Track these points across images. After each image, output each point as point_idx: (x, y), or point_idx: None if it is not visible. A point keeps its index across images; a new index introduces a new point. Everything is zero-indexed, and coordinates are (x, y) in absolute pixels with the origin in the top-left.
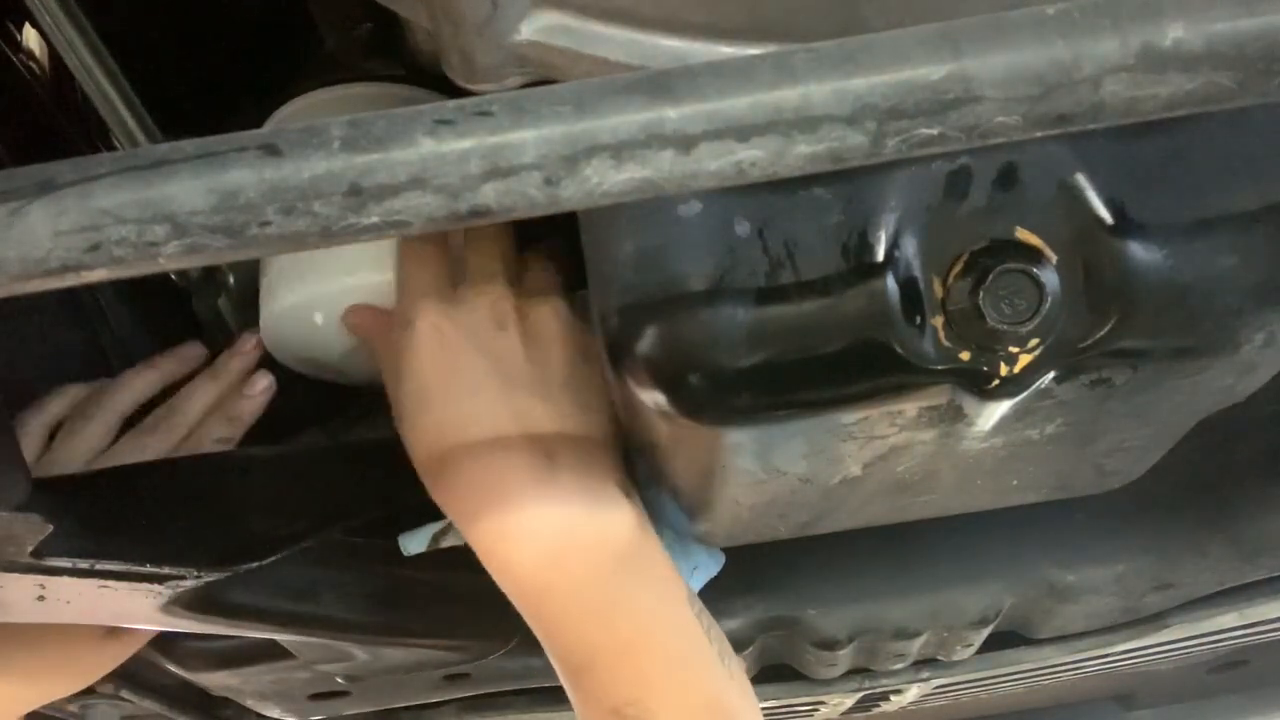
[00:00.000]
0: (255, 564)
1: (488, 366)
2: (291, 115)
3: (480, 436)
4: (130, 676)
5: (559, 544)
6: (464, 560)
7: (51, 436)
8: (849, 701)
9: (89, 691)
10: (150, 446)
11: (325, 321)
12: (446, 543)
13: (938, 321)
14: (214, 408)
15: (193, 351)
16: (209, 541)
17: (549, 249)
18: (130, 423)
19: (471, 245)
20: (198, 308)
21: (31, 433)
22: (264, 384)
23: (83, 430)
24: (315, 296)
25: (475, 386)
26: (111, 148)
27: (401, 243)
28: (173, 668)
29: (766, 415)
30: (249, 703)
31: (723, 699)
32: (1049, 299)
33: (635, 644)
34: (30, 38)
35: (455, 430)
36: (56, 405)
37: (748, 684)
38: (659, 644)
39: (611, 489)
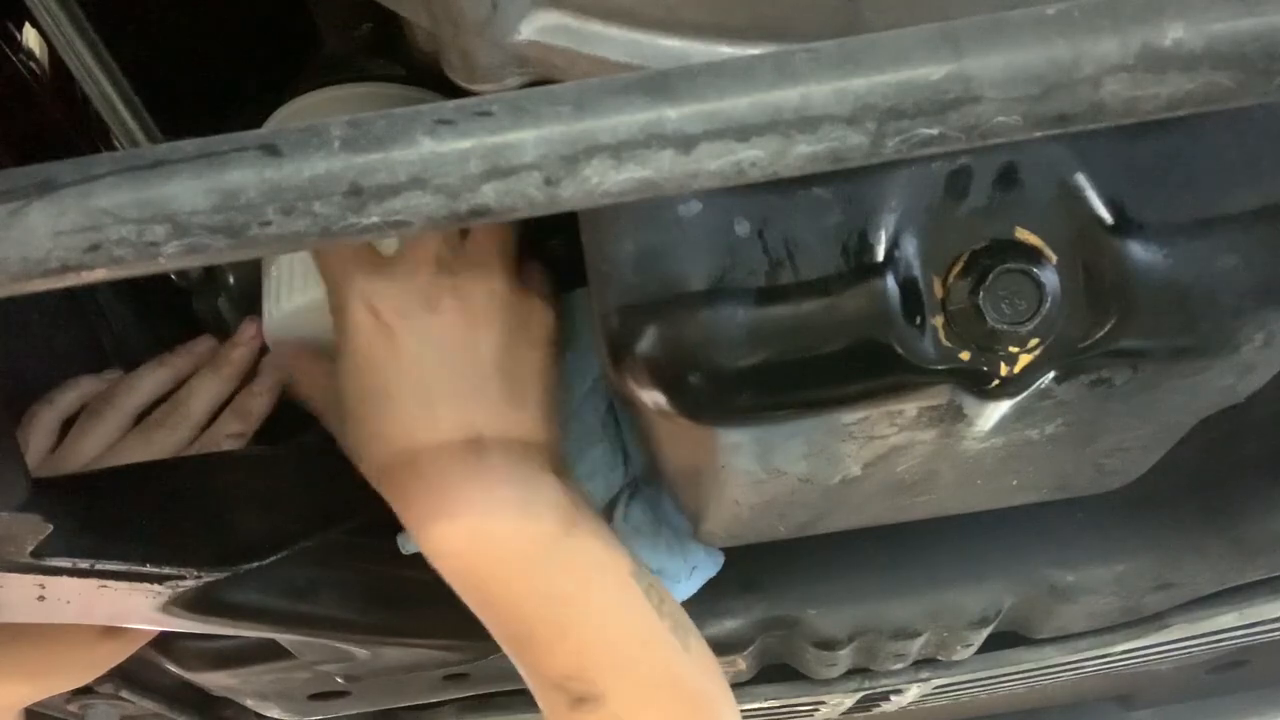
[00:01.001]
0: (255, 564)
1: (417, 353)
2: (291, 115)
3: (412, 428)
4: (130, 676)
5: (484, 531)
6: None
7: (63, 429)
8: (849, 701)
9: (88, 691)
10: (157, 441)
11: (326, 321)
12: None
13: (938, 321)
14: (220, 400)
15: (203, 347)
16: (209, 541)
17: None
18: (139, 417)
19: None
20: (198, 308)
21: (43, 426)
22: (272, 379)
23: (94, 429)
24: (317, 297)
25: (403, 377)
26: (111, 148)
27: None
28: (172, 668)
29: (766, 415)
30: (249, 703)
31: (677, 673)
32: (1049, 299)
33: (569, 620)
34: (30, 38)
35: (387, 427)
36: (68, 398)
37: (711, 661)
38: (596, 620)
39: (539, 474)
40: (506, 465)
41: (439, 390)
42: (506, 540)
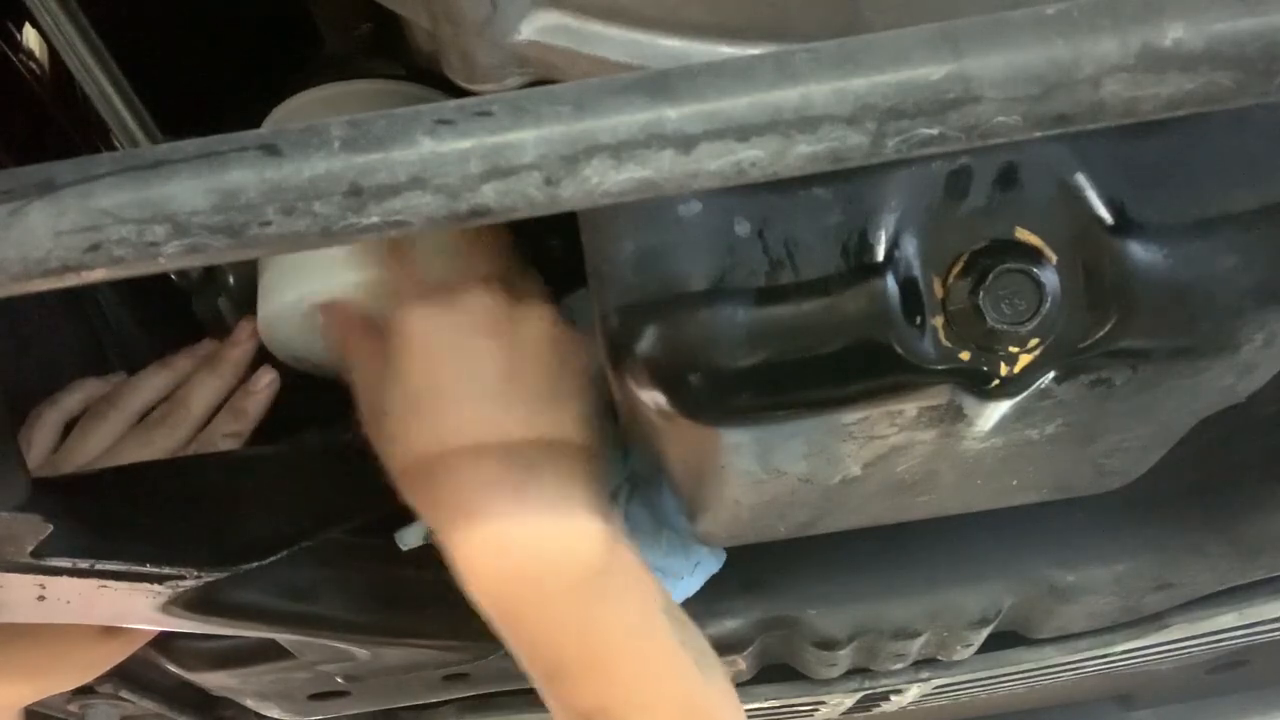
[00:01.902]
0: (255, 564)
1: (474, 376)
2: (288, 114)
3: (460, 448)
4: (130, 676)
5: (528, 559)
6: None
7: (65, 430)
8: (849, 701)
9: (89, 691)
10: (156, 441)
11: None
12: None
13: (938, 321)
14: (218, 400)
15: (205, 349)
16: (209, 541)
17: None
18: (141, 419)
19: (466, 243)
20: (198, 308)
21: (46, 426)
22: (268, 379)
23: (96, 430)
24: (314, 294)
25: (459, 396)
26: (111, 148)
27: (387, 240)
28: (172, 668)
29: (766, 415)
30: (249, 703)
31: (699, 706)
32: (1049, 299)
33: (602, 656)
34: (30, 38)
35: (436, 440)
36: (72, 400)
37: (729, 690)
38: (627, 655)
39: (585, 505)
40: (553, 492)
41: (488, 414)
42: (549, 570)
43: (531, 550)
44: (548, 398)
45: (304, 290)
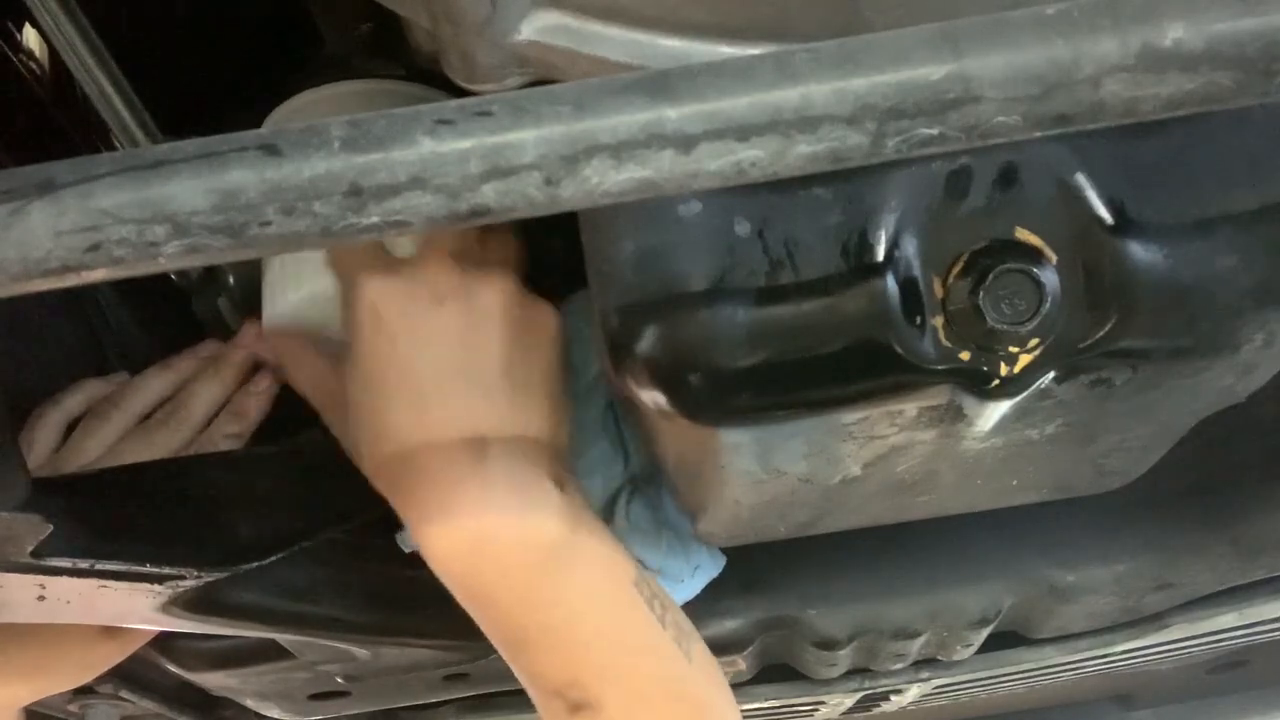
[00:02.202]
0: (255, 564)
1: (421, 351)
2: (288, 114)
3: (414, 426)
4: (130, 676)
5: (484, 536)
6: None
7: (67, 431)
8: (849, 701)
9: (89, 691)
10: (158, 442)
11: (328, 319)
12: None
13: (938, 321)
14: (220, 402)
15: (207, 350)
16: (209, 541)
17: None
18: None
19: None
20: (198, 308)
21: (48, 427)
22: (268, 380)
23: (97, 431)
24: (317, 295)
25: (408, 376)
26: (111, 148)
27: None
28: (172, 668)
29: (766, 415)
30: (249, 703)
31: (678, 682)
32: (1049, 299)
33: (566, 628)
34: (30, 38)
35: (390, 427)
36: (74, 400)
37: (714, 670)
38: (594, 629)
39: (541, 481)
40: (508, 469)
41: (442, 389)
42: (505, 547)
43: (485, 527)
44: (505, 371)
45: (308, 290)
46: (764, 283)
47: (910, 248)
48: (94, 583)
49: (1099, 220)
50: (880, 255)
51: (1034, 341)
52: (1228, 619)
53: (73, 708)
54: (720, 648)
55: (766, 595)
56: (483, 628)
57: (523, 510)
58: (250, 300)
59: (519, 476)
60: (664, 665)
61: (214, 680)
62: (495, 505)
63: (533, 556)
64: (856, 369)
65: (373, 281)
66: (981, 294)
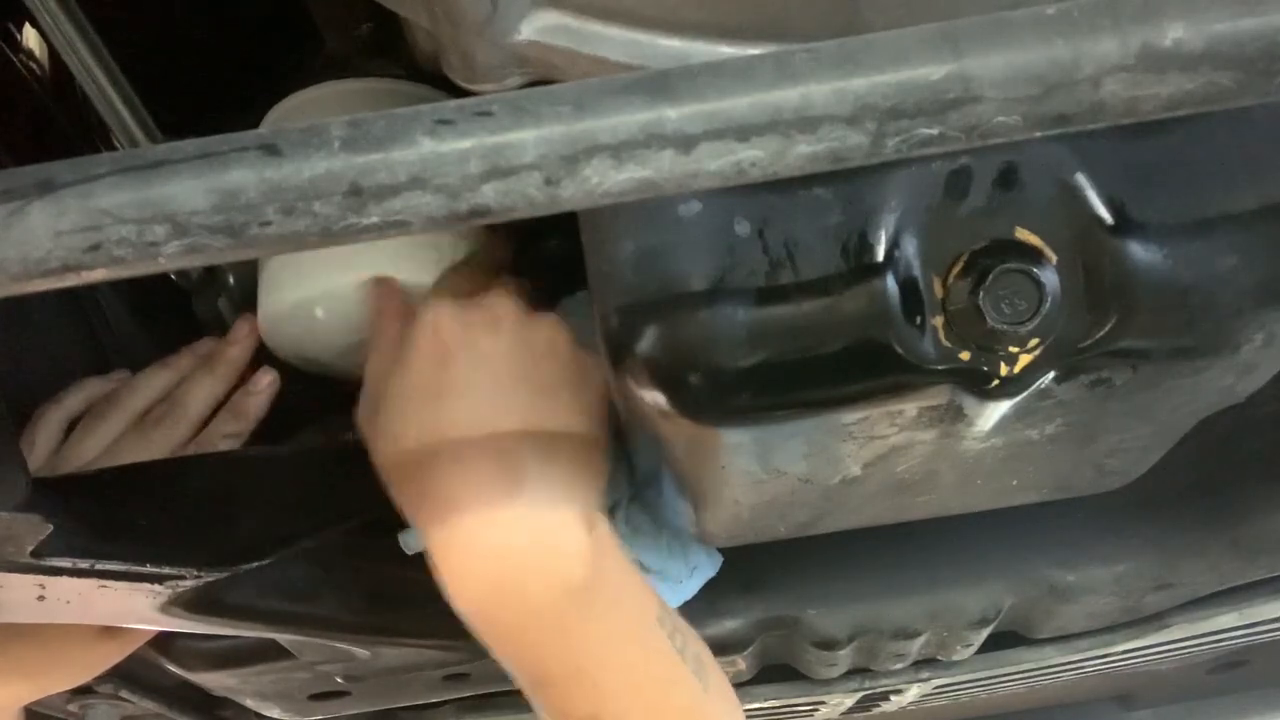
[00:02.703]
0: (255, 564)
1: (474, 368)
2: (287, 112)
3: (449, 443)
4: (130, 676)
5: (511, 569)
6: None
7: (69, 430)
8: (849, 701)
9: (89, 691)
10: (155, 440)
11: (325, 318)
12: None
13: (938, 321)
14: (217, 399)
15: (206, 348)
16: (209, 541)
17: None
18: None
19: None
20: (198, 308)
21: (49, 427)
22: (268, 379)
23: (97, 430)
24: (315, 293)
25: (455, 388)
26: (111, 148)
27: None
28: (172, 668)
29: (766, 415)
30: (249, 703)
31: (697, 714)
32: (1049, 299)
33: (589, 668)
34: (30, 38)
35: (426, 432)
36: (75, 400)
37: (729, 696)
38: (617, 665)
39: (574, 514)
40: (540, 501)
41: (485, 416)
42: (530, 589)
43: (514, 559)
44: (551, 405)
45: (304, 290)
46: (764, 283)
47: (910, 248)
48: (94, 583)
49: (1099, 220)
50: (880, 255)
51: (1034, 341)
52: (1228, 619)
53: (73, 708)
54: (720, 648)
55: (766, 595)
56: (502, 661)
57: (553, 544)
58: (250, 300)
59: (552, 506)
60: (684, 697)
61: (214, 680)
62: (526, 539)
63: (555, 599)
64: (856, 369)
65: (442, 304)
66: (981, 294)
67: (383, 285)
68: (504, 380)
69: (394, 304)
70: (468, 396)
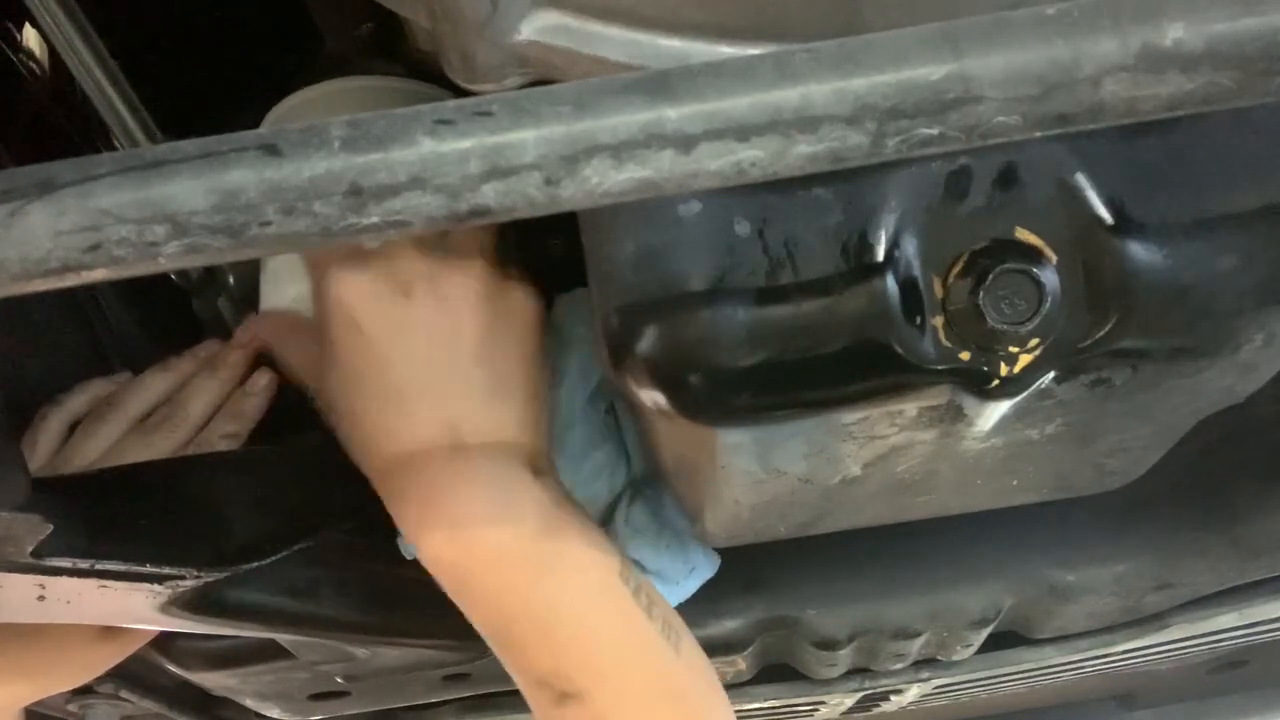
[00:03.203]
0: (255, 564)
1: (394, 345)
2: (287, 111)
3: (390, 426)
4: (130, 676)
5: (464, 532)
6: None
7: (70, 432)
8: (849, 701)
9: (89, 691)
10: (155, 443)
11: None
12: None
13: (938, 321)
14: (218, 402)
15: (207, 351)
16: (209, 541)
17: None
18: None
19: None
20: (198, 308)
21: (51, 428)
22: (265, 380)
23: (98, 431)
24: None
25: (383, 371)
26: (112, 148)
27: None
28: (172, 668)
29: (766, 415)
30: (249, 703)
31: (665, 674)
32: (1049, 299)
33: (549, 619)
34: (30, 38)
35: (375, 426)
36: (77, 401)
37: (703, 663)
38: (578, 619)
39: (520, 472)
40: (486, 463)
41: (414, 383)
42: (486, 542)
43: (464, 517)
44: (480, 359)
45: (304, 289)
46: (764, 283)
47: (910, 248)
48: (94, 583)
49: (1099, 220)
50: (880, 255)
51: (1034, 341)
52: (1228, 619)
53: (73, 708)
54: (720, 648)
55: (766, 595)
56: (473, 623)
57: (500, 506)
58: (250, 300)
59: (496, 471)
60: (651, 656)
61: (214, 680)
62: (473, 503)
63: (512, 550)
64: (856, 369)
65: (338, 275)
66: (981, 294)
67: (264, 322)
68: (421, 347)
69: (286, 325)
70: (394, 375)
